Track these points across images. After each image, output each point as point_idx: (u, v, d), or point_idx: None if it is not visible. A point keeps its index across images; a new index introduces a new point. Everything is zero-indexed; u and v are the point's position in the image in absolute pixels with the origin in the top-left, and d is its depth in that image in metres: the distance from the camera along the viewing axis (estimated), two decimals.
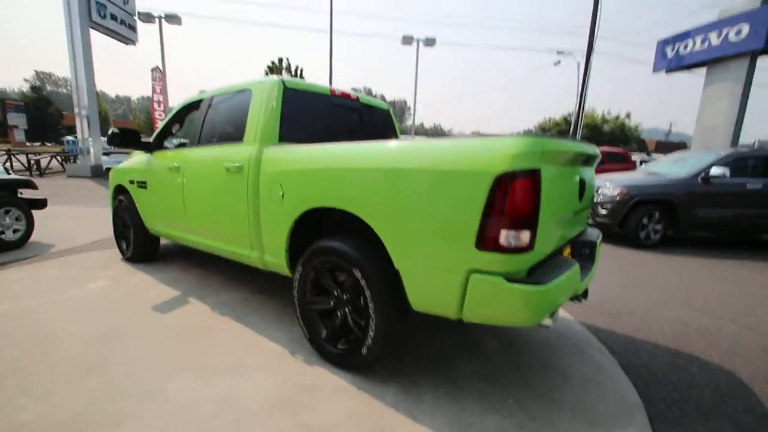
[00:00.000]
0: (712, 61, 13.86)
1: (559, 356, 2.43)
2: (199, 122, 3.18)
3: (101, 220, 6.24)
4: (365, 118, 3.34)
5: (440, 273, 1.69)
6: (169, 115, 3.64)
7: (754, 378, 2.29)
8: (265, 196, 2.45)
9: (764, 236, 6.70)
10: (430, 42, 18.24)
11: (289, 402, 1.87)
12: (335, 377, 2.09)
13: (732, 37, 12.97)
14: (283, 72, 29.71)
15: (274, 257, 2.52)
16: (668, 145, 44.46)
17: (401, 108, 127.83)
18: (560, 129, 36.50)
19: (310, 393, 1.95)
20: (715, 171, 5.37)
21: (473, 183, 1.54)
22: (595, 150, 2.21)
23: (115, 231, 4.31)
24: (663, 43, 15.65)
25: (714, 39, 13.55)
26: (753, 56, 12.53)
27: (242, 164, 2.57)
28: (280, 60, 29.98)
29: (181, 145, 3.52)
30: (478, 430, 1.73)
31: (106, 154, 12.15)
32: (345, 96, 3.12)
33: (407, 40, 17.88)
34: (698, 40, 14.16)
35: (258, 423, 1.72)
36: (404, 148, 1.80)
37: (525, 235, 1.52)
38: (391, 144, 1.86)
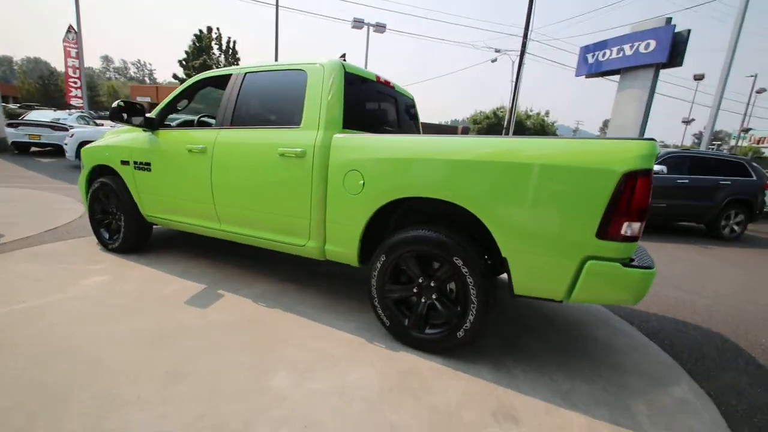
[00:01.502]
0: (624, 69, 15.65)
1: (596, 329, 2.79)
2: (229, 101, 2.91)
3: (36, 203, 5.35)
4: (399, 106, 3.35)
5: (554, 260, 1.87)
6: (177, 91, 3.27)
7: (722, 325, 2.88)
8: (336, 185, 2.38)
9: (684, 223, 8.08)
10: (380, 28, 18.13)
11: (403, 387, 1.92)
12: (427, 361, 2.17)
13: (642, 49, 14.76)
14: (212, 44, 27.26)
15: (342, 247, 2.47)
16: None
17: None
18: (490, 122, 38.94)
19: (415, 377, 2.02)
20: (656, 168, 6.35)
21: (601, 179, 1.72)
22: None
23: (92, 218, 3.76)
24: (584, 50, 17.25)
25: (627, 50, 15.28)
26: (657, 68, 14.42)
27: (304, 150, 2.46)
28: (209, 29, 27.37)
29: (200, 125, 3.19)
30: (577, 395, 1.96)
31: (12, 125, 10.16)
32: (386, 83, 3.10)
33: (358, 23, 17.55)
34: (614, 49, 15.85)
35: (389, 408, 1.76)
36: (521, 143, 1.91)
37: (639, 226, 1.75)
38: (505, 139, 1.96)
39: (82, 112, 13.12)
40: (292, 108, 2.64)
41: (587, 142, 1.80)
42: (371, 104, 2.89)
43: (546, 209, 1.84)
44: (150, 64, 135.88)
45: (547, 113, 41.18)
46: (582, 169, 1.75)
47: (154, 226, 3.75)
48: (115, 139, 3.56)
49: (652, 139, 1.72)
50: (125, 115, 3.05)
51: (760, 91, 30.20)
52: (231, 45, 27.72)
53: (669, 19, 14.15)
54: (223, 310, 2.64)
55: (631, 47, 15.00)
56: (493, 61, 24.89)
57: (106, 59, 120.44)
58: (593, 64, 16.74)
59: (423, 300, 2.25)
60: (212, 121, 3.65)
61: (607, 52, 16.15)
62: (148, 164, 3.23)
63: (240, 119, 2.87)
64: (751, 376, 2.36)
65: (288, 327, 2.46)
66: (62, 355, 1.99)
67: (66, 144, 8.71)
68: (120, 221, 3.56)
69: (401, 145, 2.19)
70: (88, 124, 11.80)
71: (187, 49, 26.35)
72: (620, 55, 15.55)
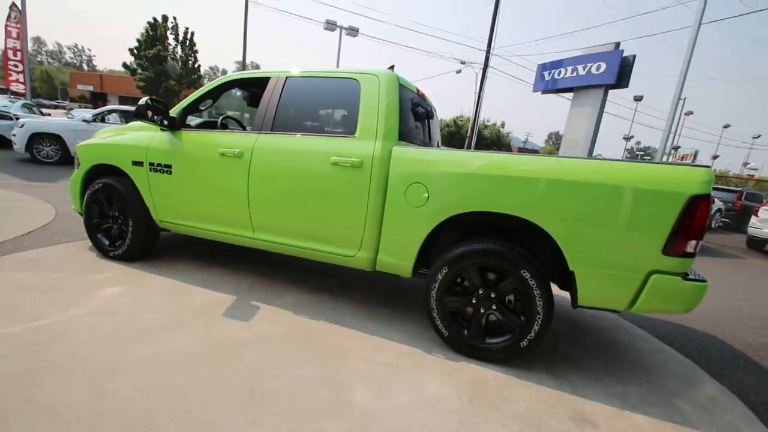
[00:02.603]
0: (577, 88, 16.73)
1: (615, 334, 3.03)
2: (269, 105, 2.81)
3: None
4: (429, 118, 3.41)
5: (621, 274, 2.02)
6: (202, 90, 3.09)
7: (712, 327, 3.26)
8: (396, 197, 2.39)
9: None
10: (352, 32, 18.11)
11: (481, 398, 1.98)
12: (488, 371, 2.24)
13: (594, 70, 15.87)
14: (168, 33, 25.68)
15: (397, 258, 2.48)
16: (527, 152, 53.27)
17: None
18: (450, 130, 40.20)
19: (486, 387, 2.08)
20: None
21: (671, 201, 1.90)
22: None
23: (88, 222, 3.42)
24: (541, 68, 18.28)
25: (581, 70, 16.37)
26: (606, 88, 15.58)
27: (361, 160, 2.44)
28: (165, 18, 25.77)
29: (222, 127, 3.03)
30: (631, 398, 2.13)
31: None
32: (422, 96, 3.15)
33: (330, 25, 17.41)
34: (569, 69, 16.92)
35: (479, 419, 1.80)
36: (595, 165, 2.05)
37: (698, 244, 1.95)
38: (581, 160, 2.09)
39: (25, 99, 11.77)
40: (343, 117, 2.61)
41: (656, 167, 1.98)
42: (414, 116, 2.92)
43: (616, 227, 1.99)
44: (89, 50, 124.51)
45: (503, 124, 43.33)
46: (654, 191, 1.92)
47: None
48: (123, 137, 3.27)
49: (708, 167, 1.93)
50: (150, 113, 2.83)
51: (688, 113, 34.01)
52: (189, 36, 26.31)
53: (617, 44, 15.37)
54: (267, 322, 2.54)
55: (584, 68, 16.07)
56: (458, 72, 25.81)
57: (38, 41, 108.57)
58: (549, 81, 17.76)
59: (482, 311, 2.33)
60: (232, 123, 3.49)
61: (563, 71, 17.19)
62: (168, 166, 3.02)
63: (282, 125, 2.78)
64: (754, 373, 2.69)
65: (341, 339, 2.42)
66: (117, 377, 1.82)
67: (14, 135, 7.79)
68: (127, 226, 3.27)
69: (475, 160, 2.25)
70: (33, 113, 10.62)
71: (139, 37, 24.60)
72: (574, 74, 16.60)
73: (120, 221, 3.35)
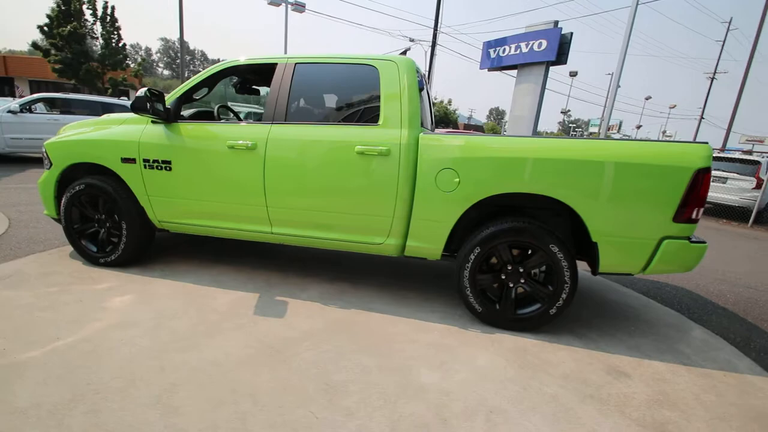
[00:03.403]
0: (521, 65, 17.38)
1: (608, 293, 3.38)
2: (280, 94, 2.68)
3: None
4: (427, 99, 3.45)
5: (637, 241, 2.27)
6: (197, 78, 2.86)
7: (680, 281, 3.77)
8: (426, 183, 2.44)
9: None
10: (299, 7, 17.21)
11: (528, 364, 2.16)
12: (524, 339, 2.43)
13: (536, 47, 16.55)
14: (84, 8, 22.70)
15: (427, 243, 2.56)
16: (472, 128, 55.02)
17: None
18: None
19: (528, 354, 2.26)
20: None
21: (680, 174, 2.14)
22: None
23: (69, 229, 3.10)
24: (487, 45, 18.76)
25: (524, 47, 17.00)
26: (547, 65, 16.32)
27: (389, 149, 2.45)
28: None
29: (219, 117, 2.86)
30: (644, 348, 2.43)
31: None
32: (423, 77, 3.17)
33: (275, 0, 16.38)
34: (513, 46, 17.49)
35: (538, 383, 1.97)
36: (614, 145, 2.24)
37: (701, 211, 2.24)
38: (600, 141, 2.27)
39: None
40: (362, 104, 2.58)
41: (666, 145, 2.22)
42: (422, 100, 2.95)
43: (634, 200, 2.22)
44: None
45: (449, 102, 44.16)
46: (666, 167, 2.16)
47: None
48: (106, 131, 2.96)
49: (707, 143, 2.20)
50: (150, 105, 2.58)
51: (617, 87, 36.96)
52: (109, 12, 23.46)
53: (556, 23, 16.10)
54: (302, 316, 2.52)
55: (527, 45, 16.69)
56: (408, 50, 25.71)
57: None
58: (495, 58, 18.24)
59: (511, 285, 2.49)
60: (227, 112, 3.28)
61: (507, 48, 17.71)
62: (167, 162, 2.80)
63: (296, 114, 2.68)
64: (728, 317, 3.16)
65: (381, 325, 2.48)
66: (178, 391, 1.74)
67: None
68: (119, 229, 3.01)
69: (505, 144, 2.35)
70: None
71: (49, 12, 21.51)
72: (517, 51, 17.18)
73: (109, 224, 3.07)
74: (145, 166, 2.84)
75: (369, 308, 2.71)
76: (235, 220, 2.84)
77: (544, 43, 16.20)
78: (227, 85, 3.55)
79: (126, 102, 9.04)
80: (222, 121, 3.13)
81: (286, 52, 19.23)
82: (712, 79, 33.74)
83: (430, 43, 24.70)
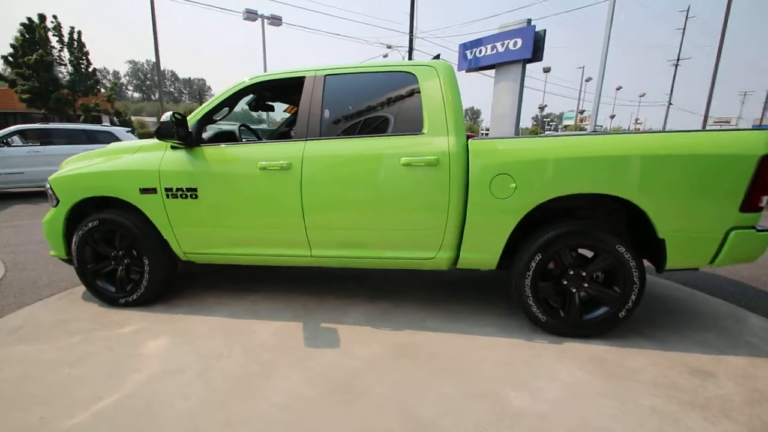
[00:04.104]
0: (498, 65, 17.51)
1: (652, 287, 3.31)
2: (312, 108, 2.52)
3: None
4: None
5: (704, 235, 2.20)
6: (218, 98, 2.68)
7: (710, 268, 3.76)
8: (479, 191, 2.32)
9: None
10: (276, 21, 17.02)
11: (612, 373, 2.04)
12: (593, 346, 2.31)
13: (511, 46, 16.69)
14: (49, 35, 21.94)
15: (483, 253, 2.43)
16: None
17: (200, 88, 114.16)
18: None
19: (607, 363, 2.15)
20: None
21: (745, 162, 2.08)
22: None
23: (82, 269, 2.84)
24: (463, 47, 18.83)
25: (500, 47, 17.11)
26: (524, 63, 16.48)
27: (437, 158, 2.32)
28: (42, 17, 21.85)
29: (262, 137, 2.68)
30: (715, 342, 2.35)
31: None
32: None
33: (251, 15, 16.15)
34: (489, 47, 17.60)
35: (630, 394, 1.86)
36: (677, 137, 2.17)
37: (766, 198, 2.19)
38: (660, 134, 2.20)
39: None
40: (401, 114, 2.45)
41: (727, 133, 2.16)
42: None
43: (700, 192, 2.15)
44: None
45: None
46: (730, 156, 2.10)
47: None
48: (119, 161, 2.73)
49: (767, 129, 2.16)
50: (176, 131, 2.38)
51: (588, 79, 38.05)
52: (76, 37, 22.73)
53: (529, 21, 16.34)
54: (358, 343, 2.34)
55: (503, 45, 16.82)
56: (385, 56, 25.89)
57: None
58: (472, 59, 18.33)
59: (574, 290, 2.38)
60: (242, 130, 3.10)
61: (483, 49, 17.83)
62: (193, 190, 2.59)
63: (332, 128, 2.53)
64: None
65: (442, 345, 2.33)
66: None
67: None
68: (140, 266, 2.77)
69: (563, 145, 2.25)
70: None
71: (12, 42, 20.70)
72: (494, 51, 17.29)
73: (128, 261, 2.83)
74: (167, 196, 2.63)
75: (422, 327, 2.56)
76: (271, 246, 2.65)
77: (520, 42, 16.32)
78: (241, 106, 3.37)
79: (108, 128, 8.66)
80: (245, 141, 2.94)
81: (265, 68, 19.00)
82: (676, 65, 35.12)
83: (407, 49, 24.87)
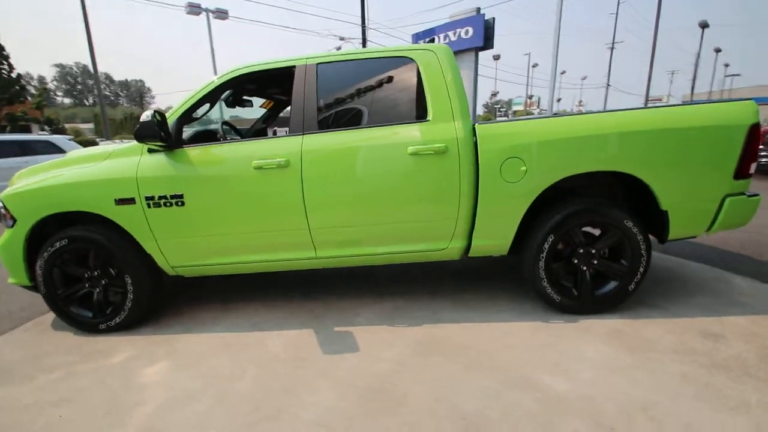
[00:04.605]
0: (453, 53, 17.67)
1: (657, 261, 3.45)
2: (306, 100, 2.34)
3: None
4: None
5: (703, 204, 2.29)
6: (198, 94, 2.43)
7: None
8: (490, 176, 2.27)
9: None
10: (221, 14, 16.10)
11: (635, 347, 2.09)
12: (608, 321, 2.35)
13: (463, 35, 16.93)
14: None
15: (495, 239, 2.40)
16: None
17: (139, 90, 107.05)
18: None
19: (627, 336, 2.19)
20: None
21: (737, 132, 2.18)
22: None
23: (51, 296, 2.50)
24: (416, 37, 18.86)
25: (452, 36, 17.30)
26: (477, 51, 16.75)
27: (445, 145, 2.25)
28: None
29: (255, 133, 2.47)
30: (717, 306, 2.48)
31: None
32: None
33: (194, 8, 15.12)
34: (441, 36, 17.74)
35: (655, 365, 1.90)
36: (673, 111, 2.23)
37: (754, 165, 2.31)
38: (659, 108, 2.25)
39: None
40: (402, 101, 2.35)
41: (718, 105, 2.26)
42: None
43: (698, 163, 2.23)
44: None
45: None
46: (723, 126, 2.19)
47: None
48: (88, 170, 2.41)
49: (752, 100, 2.28)
50: (157, 131, 2.12)
51: (535, 65, 39.73)
52: None
53: (478, 9, 16.64)
54: (377, 344, 2.24)
55: (455, 34, 17.04)
56: (338, 48, 25.46)
57: None
58: None
59: (584, 268, 2.42)
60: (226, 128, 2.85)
61: (436, 39, 17.98)
62: (178, 197, 2.34)
63: (330, 120, 2.37)
64: (756, 264, 3.34)
65: (466, 336, 2.28)
66: None
67: None
68: (122, 285, 2.48)
69: (570, 124, 2.24)
70: None
71: None
72: (447, 41, 17.53)
73: (105, 282, 2.53)
74: (149, 205, 2.35)
75: (437, 320, 2.49)
76: (271, 251, 2.46)
77: (471, 30, 16.57)
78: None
79: (48, 137, 7.81)
80: (230, 140, 2.70)
81: (214, 65, 17.88)
82: (612, 48, 37.37)
83: (361, 41, 24.57)
